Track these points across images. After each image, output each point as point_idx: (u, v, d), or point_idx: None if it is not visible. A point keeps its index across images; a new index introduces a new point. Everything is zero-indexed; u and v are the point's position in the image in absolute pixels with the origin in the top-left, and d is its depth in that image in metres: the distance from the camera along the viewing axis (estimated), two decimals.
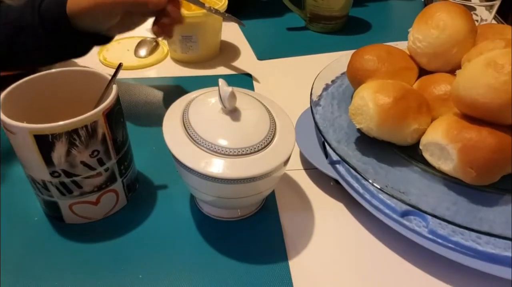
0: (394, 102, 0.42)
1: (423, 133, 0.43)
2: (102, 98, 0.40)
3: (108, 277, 0.38)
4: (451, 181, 0.41)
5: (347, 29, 0.81)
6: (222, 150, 0.36)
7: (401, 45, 0.52)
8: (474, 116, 0.40)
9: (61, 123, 0.35)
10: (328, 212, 0.44)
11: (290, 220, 0.43)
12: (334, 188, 0.47)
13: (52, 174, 0.37)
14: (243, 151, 0.36)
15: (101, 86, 0.40)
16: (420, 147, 0.43)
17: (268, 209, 0.44)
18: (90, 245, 0.40)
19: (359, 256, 0.40)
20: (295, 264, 0.39)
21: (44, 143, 0.35)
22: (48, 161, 0.36)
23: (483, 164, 0.38)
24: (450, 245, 0.38)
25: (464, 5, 0.62)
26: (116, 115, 0.39)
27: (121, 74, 0.44)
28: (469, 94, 0.39)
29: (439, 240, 0.39)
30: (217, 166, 0.35)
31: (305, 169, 0.49)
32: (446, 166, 0.40)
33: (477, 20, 0.64)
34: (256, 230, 0.42)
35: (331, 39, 0.78)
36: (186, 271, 0.38)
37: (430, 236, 0.39)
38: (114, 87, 0.39)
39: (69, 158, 0.37)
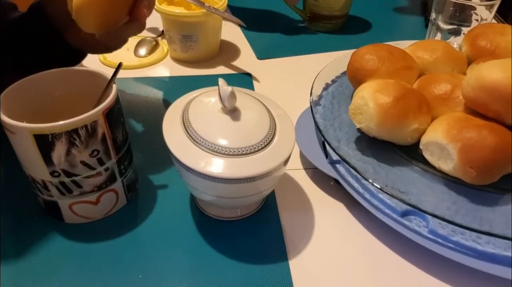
0: (394, 101, 0.42)
1: (423, 132, 0.43)
2: (102, 97, 0.40)
3: (108, 277, 0.38)
4: (451, 181, 0.41)
5: (347, 29, 0.80)
6: (222, 150, 0.36)
7: (401, 45, 0.52)
8: (485, 104, 0.40)
9: (61, 122, 0.35)
10: (328, 212, 0.44)
11: (290, 220, 0.43)
12: (334, 188, 0.47)
13: (52, 173, 0.37)
14: (243, 151, 0.36)
15: (101, 85, 0.40)
16: (420, 146, 0.43)
17: (268, 209, 0.44)
18: (90, 245, 0.40)
19: (359, 256, 0.40)
20: (295, 264, 0.39)
21: (44, 143, 0.35)
22: (48, 160, 0.36)
23: (483, 164, 0.38)
24: (450, 245, 0.38)
25: (464, 4, 0.62)
26: (116, 115, 0.39)
27: (121, 74, 0.44)
28: (490, 75, 0.39)
29: (439, 240, 0.39)
30: (217, 166, 0.35)
31: (305, 169, 0.49)
32: (446, 165, 0.40)
33: (477, 20, 0.64)
34: (256, 230, 0.42)
35: (331, 39, 0.78)
36: (186, 271, 0.38)
37: (430, 236, 0.39)
38: (114, 86, 0.39)
39: (69, 157, 0.37)
